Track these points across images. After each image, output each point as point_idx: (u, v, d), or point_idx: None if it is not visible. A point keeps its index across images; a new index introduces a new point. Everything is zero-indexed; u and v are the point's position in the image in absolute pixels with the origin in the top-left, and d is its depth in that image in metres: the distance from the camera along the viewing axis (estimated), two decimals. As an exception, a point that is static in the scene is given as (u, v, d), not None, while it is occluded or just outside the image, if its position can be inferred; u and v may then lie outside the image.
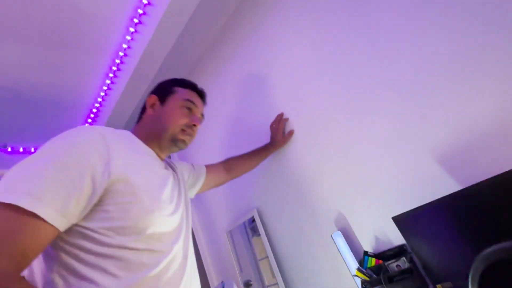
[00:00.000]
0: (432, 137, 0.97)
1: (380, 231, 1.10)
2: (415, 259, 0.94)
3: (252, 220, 1.58)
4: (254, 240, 1.60)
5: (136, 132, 0.81)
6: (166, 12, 1.45)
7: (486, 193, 0.77)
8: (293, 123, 1.41)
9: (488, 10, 0.86)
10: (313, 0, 1.31)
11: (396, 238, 1.04)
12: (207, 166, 1.17)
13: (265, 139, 1.45)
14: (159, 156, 0.82)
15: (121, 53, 1.68)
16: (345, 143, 1.19)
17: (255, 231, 1.56)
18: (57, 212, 0.48)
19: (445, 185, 0.92)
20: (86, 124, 2.16)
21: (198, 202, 2.08)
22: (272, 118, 1.46)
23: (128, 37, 1.59)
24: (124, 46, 1.65)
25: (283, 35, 1.45)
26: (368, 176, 1.12)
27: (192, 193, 1.09)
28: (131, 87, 1.87)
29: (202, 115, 0.93)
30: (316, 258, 1.31)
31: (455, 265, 0.83)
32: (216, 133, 1.87)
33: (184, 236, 0.72)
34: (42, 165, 0.51)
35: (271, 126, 1.45)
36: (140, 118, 0.87)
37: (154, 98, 0.85)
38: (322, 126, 1.29)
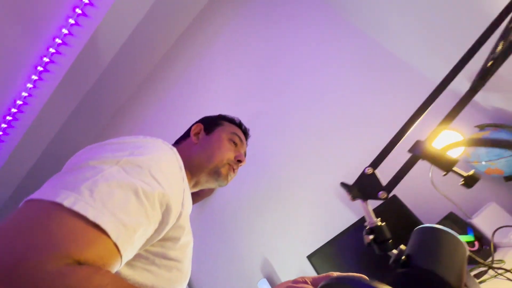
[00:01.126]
0: (331, 178, 1.12)
1: (301, 272, 1.13)
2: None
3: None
4: None
5: None
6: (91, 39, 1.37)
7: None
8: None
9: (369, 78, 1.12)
10: (239, 50, 1.47)
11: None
12: None
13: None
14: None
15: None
16: (264, 189, 1.26)
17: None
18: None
19: (347, 218, 1.04)
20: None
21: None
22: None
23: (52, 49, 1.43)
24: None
25: (215, 76, 1.55)
26: (285, 219, 1.19)
27: None
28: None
29: (245, 153, 0.87)
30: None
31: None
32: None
33: None
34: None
35: None
36: (179, 142, 0.78)
37: (200, 126, 0.78)
38: (244, 173, 1.34)
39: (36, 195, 0.32)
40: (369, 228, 0.38)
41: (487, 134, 0.82)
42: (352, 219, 1.03)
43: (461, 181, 0.36)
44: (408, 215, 0.87)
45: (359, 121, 1.11)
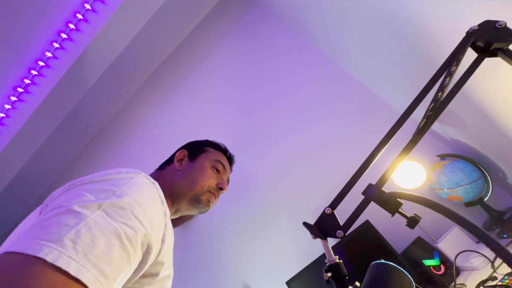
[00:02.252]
0: (308, 206, 1.16)
1: (281, 297, 1.13)
2: (310, 321, 0.99)
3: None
4: None
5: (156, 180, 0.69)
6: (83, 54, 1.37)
7: (349, 244, 0.94)
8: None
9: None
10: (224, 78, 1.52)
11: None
12: None
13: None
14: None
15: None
16: (242, 217, 1.29)
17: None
18: None
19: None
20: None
21: None
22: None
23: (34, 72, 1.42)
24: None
25: (188, 112, 1.58)
26: (266, 246, 1.21)
27: None
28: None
29: (228, 180, 0.88)
30: None
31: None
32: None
33: None
34: None
35: None
36: (162, 167, 0.78)
37: (184, 152, 0.79)
38: (226, 199, 1.36)
39: (17, 247, 0.32)
40: (328, 266, 0.41)
41: (446, 163, 0.90)
42: (330, 243, 1.06)
43: (406, 222, 0.40)
44: (379, 239, 0.91)
45: (334, 149, 1.17)
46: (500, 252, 0.23)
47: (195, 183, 0.73)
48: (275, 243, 1.18)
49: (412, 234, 0.93)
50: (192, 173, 0.75)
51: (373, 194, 0.41)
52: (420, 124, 0.42)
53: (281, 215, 1.20)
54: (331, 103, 1.22)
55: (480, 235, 0.25)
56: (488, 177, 0.87)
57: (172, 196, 0.72)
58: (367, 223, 0.95)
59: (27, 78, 1.47)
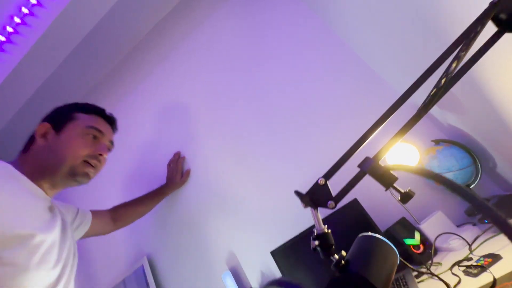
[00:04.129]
0: (301, 177, 1.16)
1: (265, 266, 1.17)
2: None
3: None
4: None
5: (19, 165, 0.66)
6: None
7: (335, 219, 0.96)
8: (189, 163, 1.43)
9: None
10: (214, 46, 1.45)
11: (278, 270, 1.13)
12: (92, 212, 1.03)
13: (163, 179, 1.40)
14: (49, 193, 0.69)
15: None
16: (233, 185, 1.29)
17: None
18: None
19: (311, 218, 1.10)
20: None
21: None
22: (169, 157, 1.44)
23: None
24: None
25: (182, 76, 1.51)
26: (253, 215, 1.22)
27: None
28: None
29: (112, 142, 0.82)
30: (209, 303, 1.26)
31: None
32: (113, 173, 1.68)
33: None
34: None
35: (168, 165, 1.41)
36: (26, 148, 0.71)
37: (47, 126, 0.72)
38: (212, 169, 1.35)
39: None
40: (316, 234, 0.41)
41: (440, 148, 0.90)
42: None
43: (399, 197, 0.40)
44: (365, 217, 0.94)
45: (326, 125, 1.16)
46: (497, 219, 0.22)
47: (64, 158, 0.69)
48: (263, 213, 1.20)
49: (397, 215, 0.95)
50: (59, 148, 0.70)
51: (369, 167, 0.39)
52: (427, 97, 0.40)
53: (270, 186, 1.21)
54: (328, 75, 1.18)
55: (477, 204, 0.24)
56: (479, 165, 0.88)
57: (43, 174, 0.68)
58: (355, 201, 0.97)
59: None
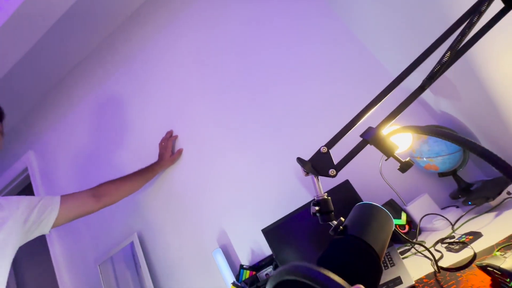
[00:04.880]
0: (293, 159, 1.17)
1: (255, 244, 1.20)
2: (279, 265, 1.07)
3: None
4: (142, 270, 1.42)
5: None
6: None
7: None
8: (181, 142, 1.41)
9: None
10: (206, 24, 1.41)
11: (268, 248, 1.16)
12: (64, 197, 1.02)
13: (155, 157, 1.38)
14: None
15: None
16: (225, 164, 1.29)
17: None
18: None
19: (304, 196, 1.12)
20: None
21: (62, 233, 1.71)
22: (161, 136, 1.42)
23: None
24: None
25: (169, 52, 1.47)
26: (244, 193, 1.23)
27: (45, 229, 0.96)
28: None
29: (1, 132, 0.84)
30: (198, 278, 1.28)
31: (305, 266, 0.99)
32: (102, 153, 1.64)
33: None
34: None
35: (160, 144, 1.39)
36: None
37: None
38: (205, 147, 1.34)
39: None
40: (316, 201, 0.42)
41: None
42: (307, 198, 1.11)
43: (398, 166, 0.41)
44: (355, 198, 0.96)
45: (322, 105, 1.16)
46: (498, 162, 0.23)
47: None
48: (255, 192, 1.22)
49: (385, 196, 0.98)
50: None
51: (372, 136, 0.40)
52: (433, 70, 0.40)
53: (262, 165, 1.22)
54: (325, 48, 1.17)
55: (479, 151, 0.25)
56: (467, 151, 0.91)
57: None
58: (346, 183, 0.99)
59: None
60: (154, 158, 1.37)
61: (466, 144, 0.26)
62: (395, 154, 0.40)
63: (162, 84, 1.48)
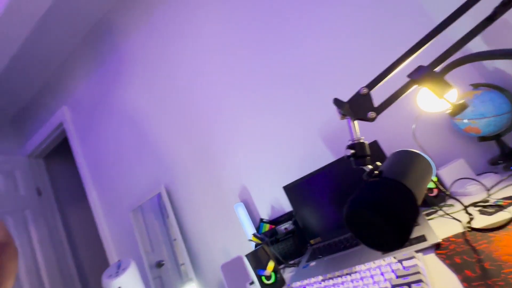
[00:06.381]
0: (317, 119, 1.13)
1: (275, 200, 1.23)
2: (298, 221, 1.10)
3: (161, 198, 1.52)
4: (170, 220, 1.54)
5: None
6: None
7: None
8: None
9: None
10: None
11: (288, 205, 1.19)
12: None
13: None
14: None
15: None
16: (250, 123, 1.28)
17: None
18: None
19: (326, 157, 1.11)
20: None
21: (98, 180, 1.86)
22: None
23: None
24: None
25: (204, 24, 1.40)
26: (267, 153, 1.24)
27: None
28: None
29: None
30: (220, 229, 1.37)
31: (324, 224, 1.01)
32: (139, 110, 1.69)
33: None
34: None
35: None
36: None
37: None
38: (229, 105, 1.33)
39: None
40: (351, 144, 0.40)
41: (478, 93, 0.83)
42: (330, 159, 1.09)
43: (448, 108, 0.37)
44: (383, 160, 0.93)
45: (349, 60, 1.08)
46: None
47: None
48: (278, 150, 1.22)
49: (416, 160, 0.93)
50: None
51: (423, 75, 0.36)
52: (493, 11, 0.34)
53: (287, 123, 1.20)
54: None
55: None
56: (516, 113, 0.82)
57: None
58: (375, 143, 0.95)
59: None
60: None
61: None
62: (446, 96, 0.36)
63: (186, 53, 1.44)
